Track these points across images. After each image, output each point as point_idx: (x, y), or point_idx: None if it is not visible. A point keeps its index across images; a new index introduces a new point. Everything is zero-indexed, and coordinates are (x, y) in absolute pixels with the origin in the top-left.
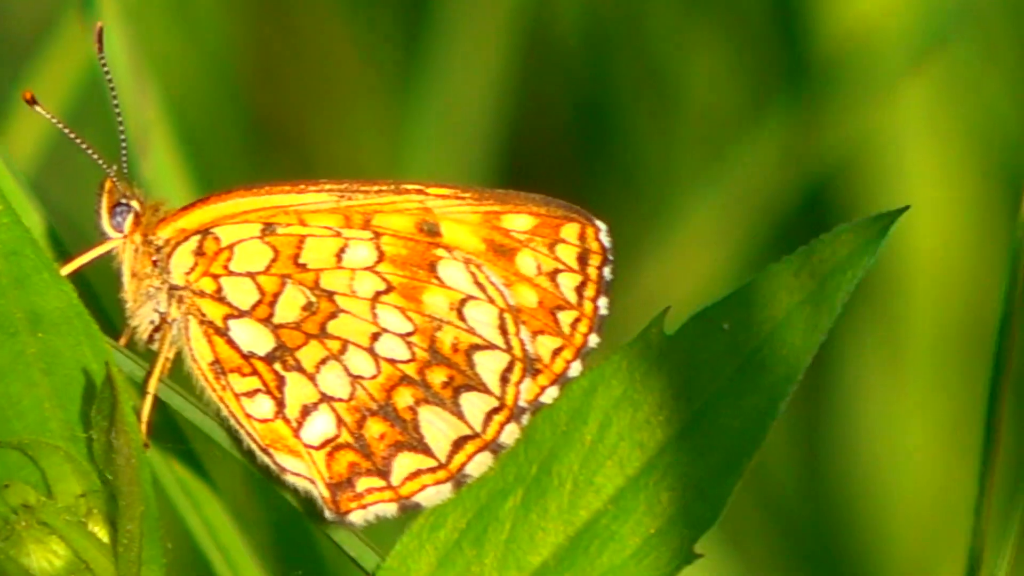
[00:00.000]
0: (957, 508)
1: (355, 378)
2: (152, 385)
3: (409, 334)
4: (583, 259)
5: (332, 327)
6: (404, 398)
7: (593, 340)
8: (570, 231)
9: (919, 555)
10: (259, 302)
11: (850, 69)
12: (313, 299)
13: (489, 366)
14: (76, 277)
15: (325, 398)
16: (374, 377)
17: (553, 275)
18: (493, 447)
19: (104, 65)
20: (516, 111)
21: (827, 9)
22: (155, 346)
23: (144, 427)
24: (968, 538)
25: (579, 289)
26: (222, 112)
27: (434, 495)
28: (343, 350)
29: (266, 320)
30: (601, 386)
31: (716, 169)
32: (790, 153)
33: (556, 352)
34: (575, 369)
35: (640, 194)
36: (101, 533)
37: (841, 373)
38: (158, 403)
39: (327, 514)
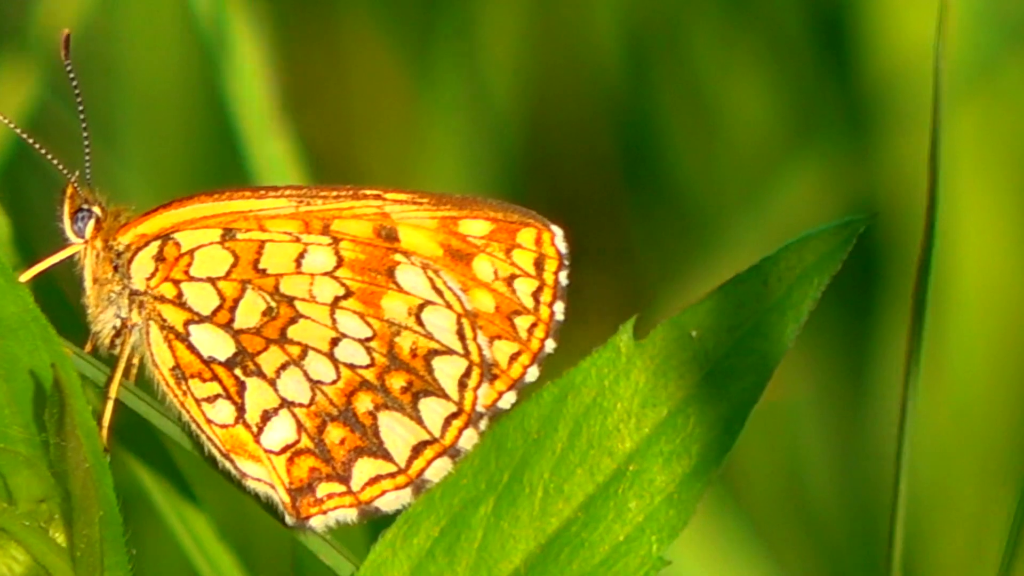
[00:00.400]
0: (996, 520)
1: (315, 383)
2: (113, 390)
3: (368, 339)
4: (540, 264)
5: (292, 332)
6: (364, 403)
7: (550, 345)
8: (526, 236)
9: (956, 566)
10: (219, 307)
11: (898, 96)
12: (273, 304)
13: (447, 371)
14: (44, 282)
15: (285, 403)
16: (334, 382)
17: (510, 280)
18: (451, 452)
19: (70, 71)
20: (559, 136)
21: (875, 34)
22: (117, 351)
23: (105, 432)
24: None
25: (536, 294)
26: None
27: (394, 500)
28: (303, 355)
29: (226, 325)
30: (571, 394)
31: (761, 195)
32: (837, 180)
33: (513, 357)
34: (532, 374)
35: (684, 220)
36: (62, 538)
37: (886, 389)
38: (121, 407)
39: (288, 519)
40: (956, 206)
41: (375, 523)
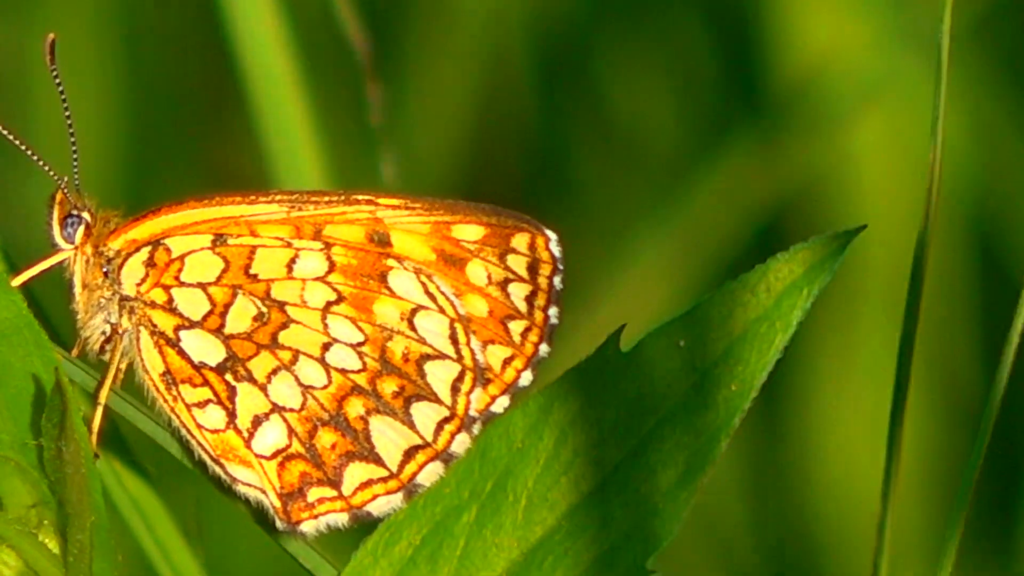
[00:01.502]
0: (910, 525)
1: (306, 388)
2: (103, 395)
3: (360, 344)
4: (533, 269)
5: (283, 337)
6: (355, 408)
7: (543, 350)
8: (520, 241)
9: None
10: (210, 313)
11: (803, 104)
12: (264, 309)
13: (440, 376)
14: (22, 289)
15: (276, 408)
16: (325, 387)
17: (503, 285)
18: (444, 457)
19: (56, 77)
20: (471, 151)
21: (778, 42)
22: (106, 357)
23: (95, 437)
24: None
25: (529, 299)
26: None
27: (385, 505)
28: (294, 360)
29: (217, 331)
30: (557, 403)
31: (669, 204)
32: (745, 188)
33: (507, 362)
34: (526, 379)
35: (593, 229)
36: (52, 544)
37: (795, 392)
38: (109, 414)
39: (278, 524)
40: (860, 209)
41: (359, 529)
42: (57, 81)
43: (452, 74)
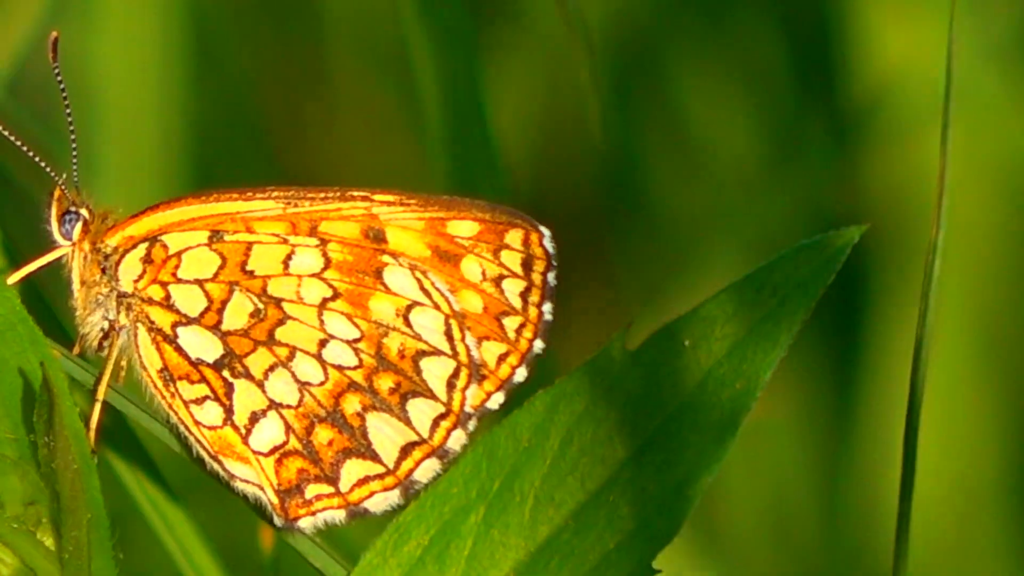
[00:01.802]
0: (978, 534)
1: (303, 384)
2: (101, 392)
3: (356, 340)
4: (528, 265)
5: (280, 334)
6: (352, 404)
7: (538, 346)
8: (514, 237)
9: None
10: (207, 309)
11: (880, 114)
12: (261, 306)
13: (436, 372)
14: (24, 285)
15: (273, 405)
16: (322, 383)
17: (498, 281)
18: (440, 453)
19: (58, 74)
20: (541, 161)
21: (854, 56)
22: (105, 353)
23: (93, 433)
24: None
25: (524, 295)
26: (256, 174)
27: (382, 501)
28: (291, 357)
29: (214, 327)
30: (563, 402)
31: (741, 218)
32: (821, 198)
33: (502, 358)
34: (520, 375)
35: (666, 246)
36: (50, 542)
37: (867, 400)
38: (109, 410)
39: (276, 521)
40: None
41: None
42: (59, 79)
43: (521, 77)
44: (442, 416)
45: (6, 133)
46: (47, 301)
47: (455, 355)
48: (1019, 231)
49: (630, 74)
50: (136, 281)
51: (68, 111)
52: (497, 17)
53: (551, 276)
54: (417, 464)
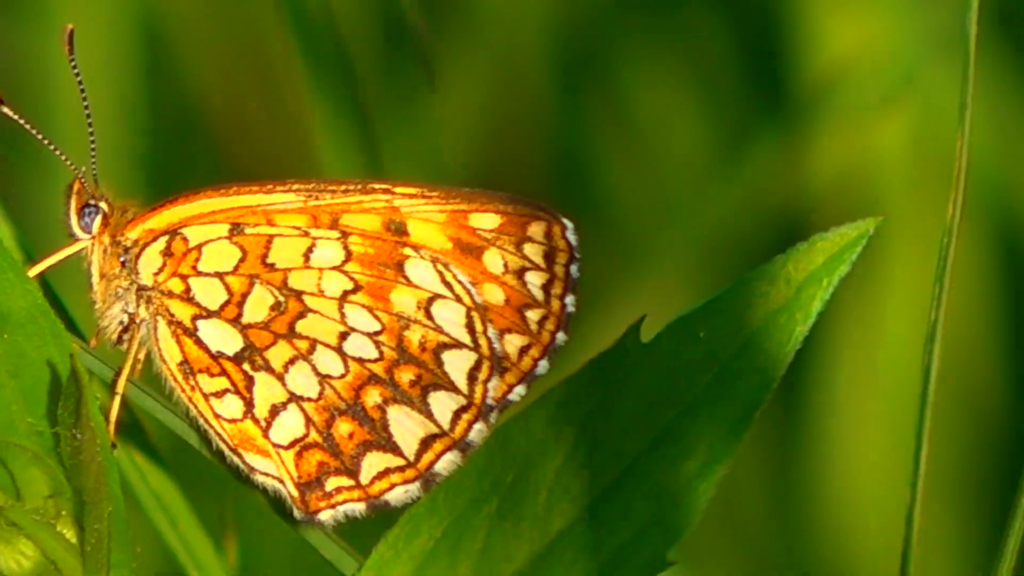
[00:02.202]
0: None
1: (323, 377)
2: (120, 385)
3: (377, 333)
4: (550, 257)
5: (300, 327)
6: (372, 397)
7: (560, 338)
8: (537, 229)
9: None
10: (227, 302)
11: (827, 104)
12: (281, 299)
13: (457, 364)
14: (40, 279)
15: (294, 398)
16: (342, 376)
17: (520, 273)
18: (461, 446)
19: (75, 67)
20: (490, 156)
21: (802, 45)
22: (124, 347)
23: (112, 427)
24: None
25: (546, 287)
26: (198, 164)
27: (403, 494)
28: (311, 349)
29: (234, 320)
30: (577, 395)
31: (693, 206)
32: (768, 188)
33: (523, 350)
34: (542, 367)
35: (615, 233)
36: (70, 534)
37: (819, 385)
38: (126, 403)
39: (296, 513)
40: (885, 207)
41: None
42: (76, 71)
43: (471, 74)
44: (463, 409)
45: (27, 126)
46: (56, 295)
47: (477, 348)
48: (972, 221)
49: (578, 68)
50: (156, 274)
51: (86, 104)
52: (445, 10)
53: (574, 268)
54: (438, 457)
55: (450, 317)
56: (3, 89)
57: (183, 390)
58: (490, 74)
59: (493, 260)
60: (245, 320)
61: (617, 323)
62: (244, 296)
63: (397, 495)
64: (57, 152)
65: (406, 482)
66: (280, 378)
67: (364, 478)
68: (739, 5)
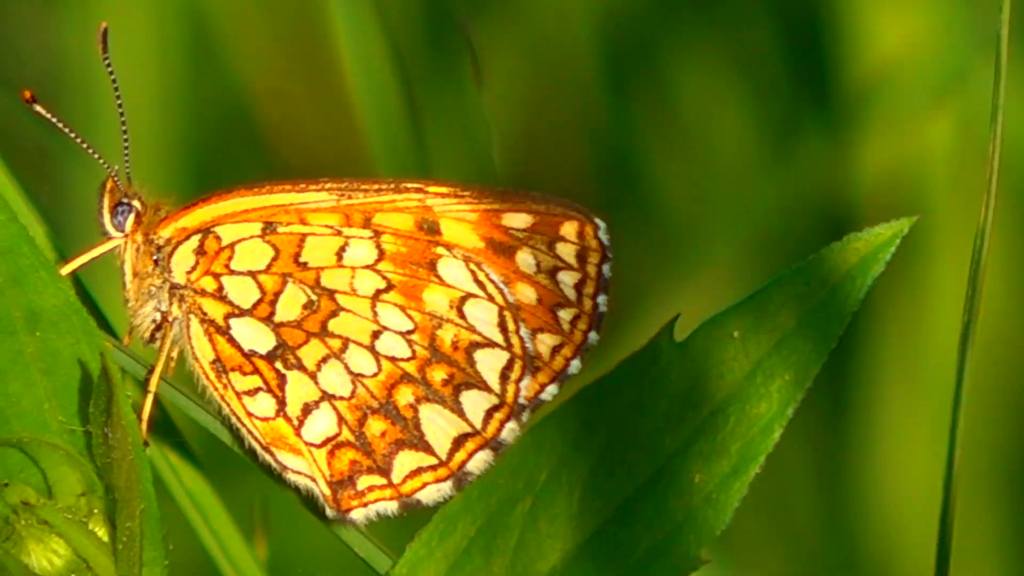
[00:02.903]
0: (971, 525)
1: (356, 376)
2: (153, 383)
3: (410, 332)
4: (582, 257)
5: (333, 325)
6: (405, 396)
7: (592, 337)
8: (569, 229)
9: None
10: (260, 301)
11: (874, 102)
12: (314, 297)
13: (489, 364)
14: (72, 277)
15: (326, 396)
16: (375, 375)
17: (552, 272)
18: (493, 445)
19: (108, 65)
20: (536, 151)
21: (849, 43)
22: (157, 345)
23: (144, 425)
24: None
25: (578, 287)
26: (245, 162)
27: (435, 493)
28: (344, 348)
29: (267, 319)
30: (611, 393)
31: (741, 204)
32: (816, 187)
33: (556, 350)
34: (575, 367)
35: (663, 231)
36: (102, 532)
37: (860, 392)
38: (159, 401)
39: (328, 512)
40: (932, 207)
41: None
42: (109, 70)
43: (517, 69)
44: (495, 408)
45: (60, 125)
46: (89, 293)
47: (509, 347)
48: (1017, 218)
49: (624, 64)
50: (189, 272)
51: (119, 102)
52: (492, 6)
53: (606, 268)
54: (470, 456)
55: (482, 316)
56: (47, 87)
57: (215, 388)
58: (536, 69)
59: (525, 259)
60: (278, 319)
61: (662, 319)
62: (277, 295)
63: (429, 494)
64: (90, 150)
65: (438, 481)
66: (312, 376)
67: (396, 477)
68: (787, 1)
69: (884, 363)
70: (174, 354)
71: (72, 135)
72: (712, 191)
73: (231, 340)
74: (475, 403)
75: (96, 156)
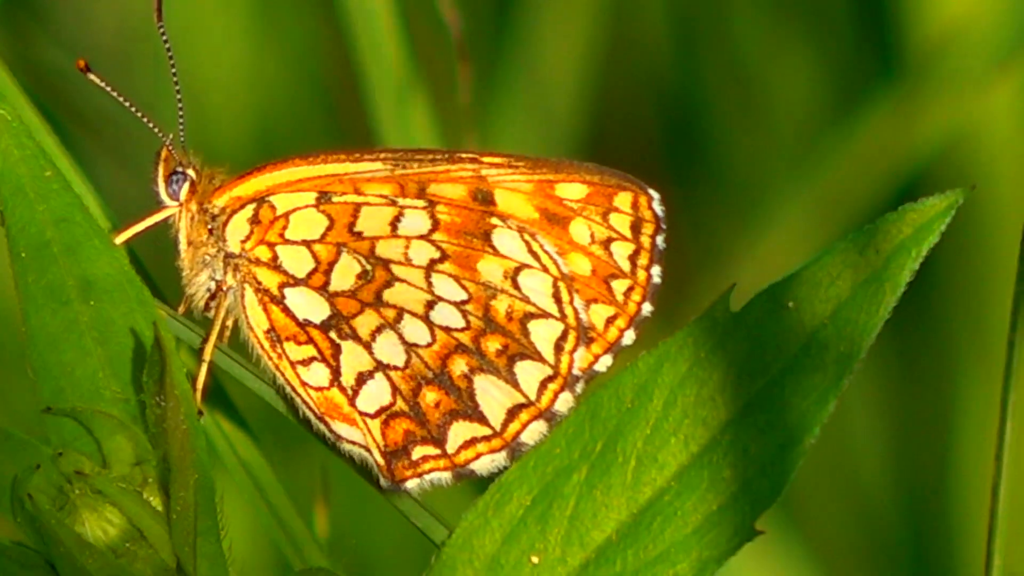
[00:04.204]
0: None
1: (410, 346)
2: (208, 352)
3: (464, 302)
4: (636, 228)
5: (387, 295)
6: (459, 366)
7: (646, 309)
8: (623, 200)
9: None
10: (314, 270)
11: (940, 66)
12: (368, 267)
13: (543, 335)
14: (126, 246)
15: (380, 366)
16: (429, 345)
17: (606, 244)
18: (547, 415)
19: (163, 34)
20: (602, 109)
21: (913, 8)
22: (211, 314)
23: (199, 394)
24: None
25: (632, 258)
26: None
27: (489, 463)
28: (398, 318)
29: (321, 288)
30: (667, 363)
31: (806, 167)
32: (881, 150)
33: (609, 321)
34: (628, 338)
35: (729, 192)
36: (156, 502)
37: (930, 361)
38: (213, 371)
39: (382, 482)
40: (997, 171)
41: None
42: (164, 37)
43: (582, 27)
44: (549, 378)
45: (115, 94)
46: (141, 262)
47: (563, 318)
48: None
49: (691, 24)
50: (243, 242)
51: (174, 71)
52: None
53: (660, 239)
54: (524, 426)
55: (537, 287)
56: (118, 55)
57: (270, 358)
58: (602, 29)
59: (580, 230)
60: (332, 288)
61: (725, 282)
62: (331, 264)
63: (483, 464)
64: (145, 119)
65: (492, 451)
66: (367, 346)
67: (450, 447)
68: None
69: (953, 331)
70: (229, 323)
71: (127, 104)
72: (777, 154)
73: (285, 309)
74: (529, 374)
75: (151, 125)
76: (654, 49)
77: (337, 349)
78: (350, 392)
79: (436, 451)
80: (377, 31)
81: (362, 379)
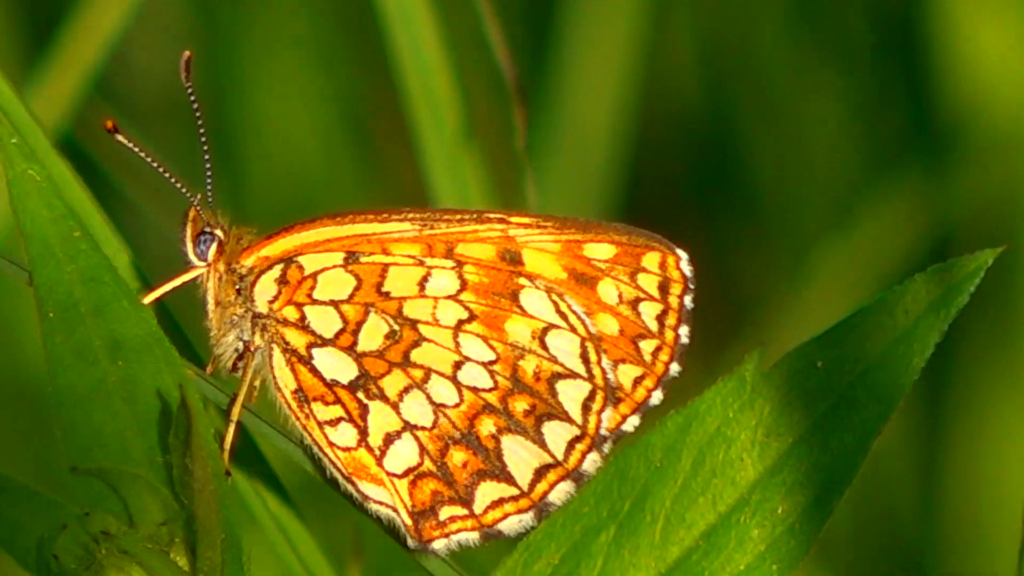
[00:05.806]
0: None
1: (438, 406)
2: (235, 412)
3: (492, 362)
4: (664, 288)
5: (415, 355)
6: (487, 426)
7: (674, 369)
8: (651, 260)
9: None
10: (342, 330)
11: (977, 126)
12: (396, 327)
13: (571, 395)
14: (156, 305)
15: (408, 426)
16: (457, 405)
17: (635, 304)
18: (575, 476)
19: (191, 93)
20: (636, 155)
21: (948, 57)
22: (239, 374)
23: (227, 455)
24: None
25: (660, 318)
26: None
27: (516, 523)
28: (426, 378)
29: (349, 348)
30: (695, 422)
31: (842, 218)
32: (918, 202)
33: (638, 381)
34: (656, 398)
35: (763, 241)
36: (183, 562)
37: (963, 396)
38: (241, 430)
39: (410, 542)
40: None
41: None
42: (192, 97)
43: (617, 78)
44: (577, 439)
45: (142, 155)
46: (176, 320)
47: (591, 378)
48: None
49: (726, 68)
50: (271, 302)
51: (202, 131)
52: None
53: (688, 299)
54: (552, 487)
55: (564, 347)
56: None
57: (298, 418)
58: (634, 66)
59: (607, 290)
60: (360, 348)
61: (764, 335)
62: (359, 324)
63: (511, 525)
64: (172, 180)
65: (520, 512)
66: (395, 407)
67: (478, 507)
68: (889, 24)
69: (983, 381)
70: (256, 383)
71: (155, 165)
72: (811, 202)
73: (313, 370)
74: (557, 434)
75: (178, 185)
76: (688, 96)
77: (365, 409)
78: (377, 452)
79: (464, 511)
80: (431, 77)
81: (390, 439)
